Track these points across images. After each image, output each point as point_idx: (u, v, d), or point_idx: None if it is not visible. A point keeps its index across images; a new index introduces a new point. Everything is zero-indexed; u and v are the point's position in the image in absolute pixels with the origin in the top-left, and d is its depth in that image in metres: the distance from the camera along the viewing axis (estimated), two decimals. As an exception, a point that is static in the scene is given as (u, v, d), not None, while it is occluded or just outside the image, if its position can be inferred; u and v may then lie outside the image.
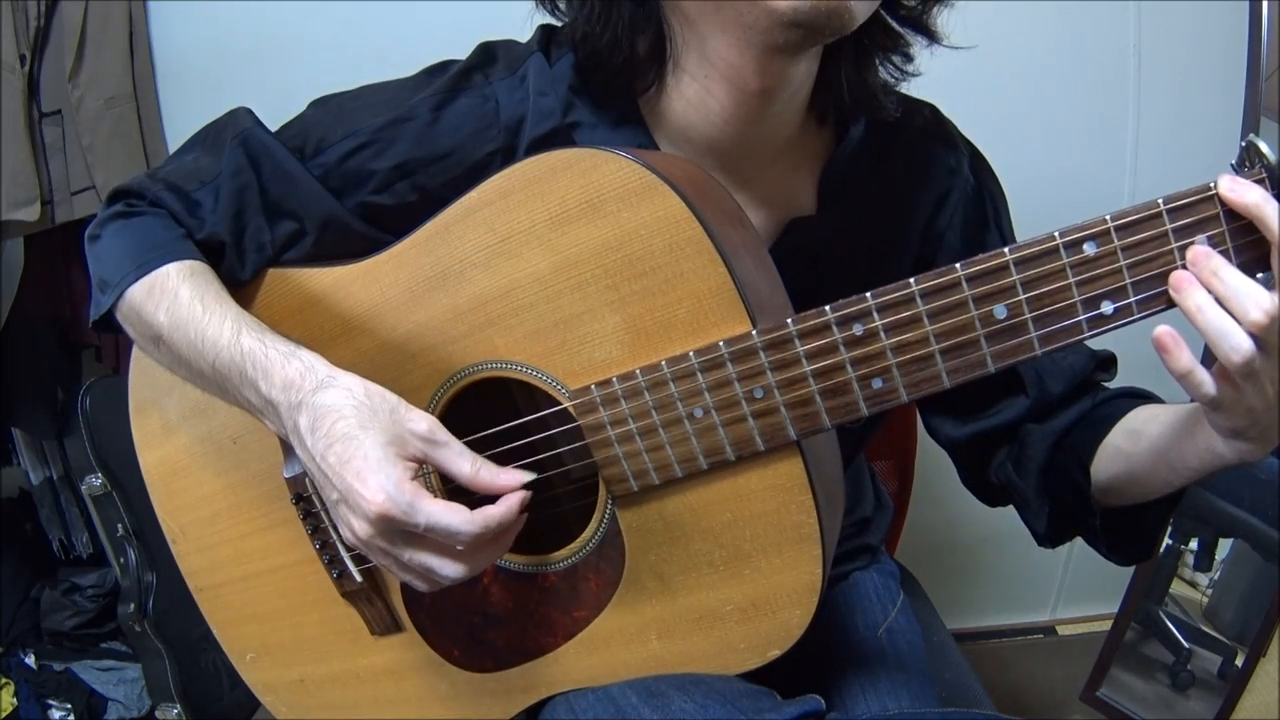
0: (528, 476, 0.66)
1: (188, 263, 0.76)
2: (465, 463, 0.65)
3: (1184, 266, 0.55)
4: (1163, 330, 0.56)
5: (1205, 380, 0.57)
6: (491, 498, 0.65)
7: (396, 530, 0.62)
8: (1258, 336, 0.54)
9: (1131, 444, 0.74)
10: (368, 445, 0.62)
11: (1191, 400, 0.63)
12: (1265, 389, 0.57)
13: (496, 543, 0.66)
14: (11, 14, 1.33)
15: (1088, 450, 0.77)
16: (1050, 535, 0.84)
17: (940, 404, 0.88)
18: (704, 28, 0.69)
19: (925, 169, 0.82)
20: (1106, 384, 0.84)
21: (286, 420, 0.67)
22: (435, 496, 0.63)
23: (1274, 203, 0.53)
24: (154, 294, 0.74)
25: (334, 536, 0.79)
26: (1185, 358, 0.56)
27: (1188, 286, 0.55)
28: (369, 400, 0.65)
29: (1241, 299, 0.54)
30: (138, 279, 0.75)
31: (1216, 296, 0.55)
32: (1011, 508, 0.88)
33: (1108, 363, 0.84)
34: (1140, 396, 0.80)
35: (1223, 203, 0.54)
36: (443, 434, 0.65)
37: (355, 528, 0.63)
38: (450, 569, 0.64)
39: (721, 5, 0.66)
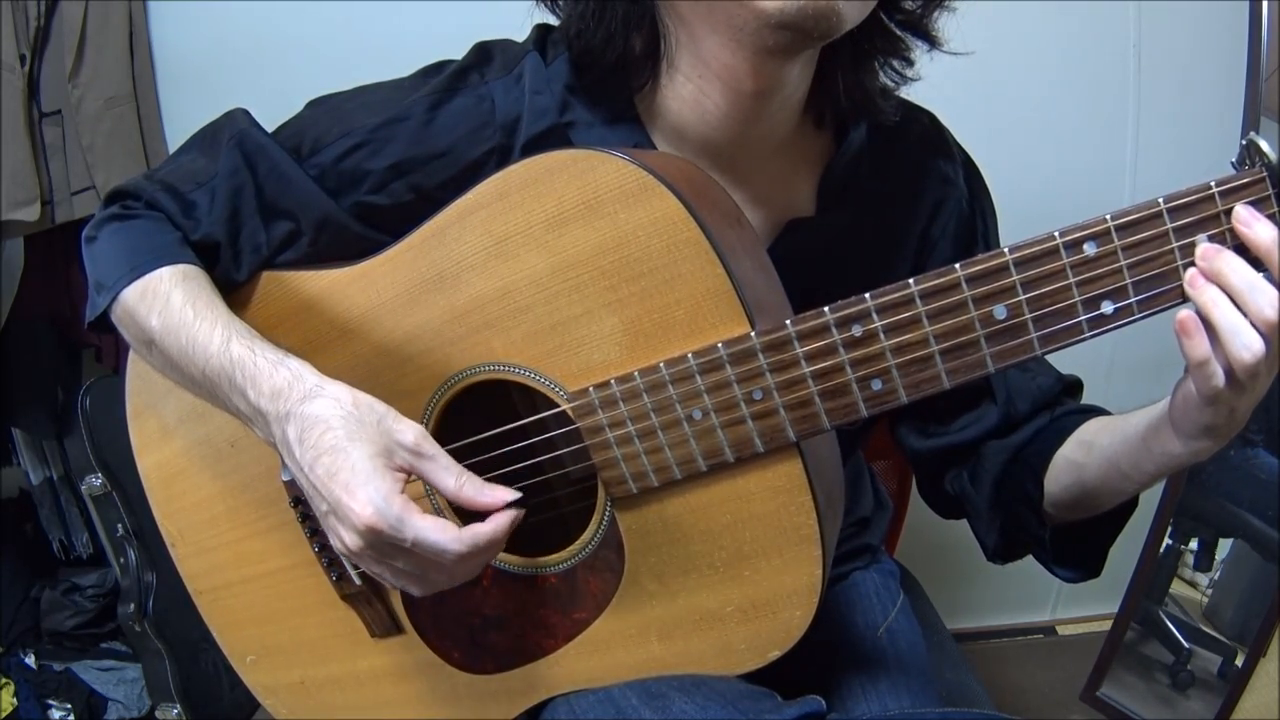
0: (513, 495, 0.65)
1: (181, 267, 0.76)
2: (450, 477, 0.64)
3: (1185, 266, 0.55)
4: (1186, 315, 0.56)
5: (1218, 371, 0.56)
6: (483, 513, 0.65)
7: (385, 542, 0.62)
8: (1267, 337, 0.54)
9: (1083, 455, 0.74)
10: (355, 457, 0.62)
11: (1167, 398, 0.63)
12: (1257, 390, 0.57)
13: (486, 553, 0.65)
14: (11, 14, 1.33)
15: (1041, 462, 0.77)
16: (1001, 549, 0.84)
17: (906, 416, 0.88)
18: (697, 28, 0.69)
19: (923, 176, 0.82)
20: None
21: (275, 430, 0.67)
22: (428, 508, 0.62)
23: None
24: (147, 298, 0.74)
25: (332, 539, 0.79)
26: (1205, 345, 0.56)
27: (1202, 282, 0.55)
28: (356, 410, 0.65)
29: (1255, 295, 0.54)
30: (131, 282, 0.75)
31: (1228, 291, 0.54)
32: None
33: (1074, 388, 0.84)
34: (1095, 412, 0.81)
35: (1223, 200, 0.54)
36: (429, 446, 0.65)
37: (345, 539, 0.63)
38: (441, 578, 0.64)
39: (712, 6, 0.66)
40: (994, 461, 0.82)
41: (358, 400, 0.65)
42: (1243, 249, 0.54)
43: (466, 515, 0.65)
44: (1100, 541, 0.79)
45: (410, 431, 0.65)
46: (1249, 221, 0.53)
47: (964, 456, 0.85)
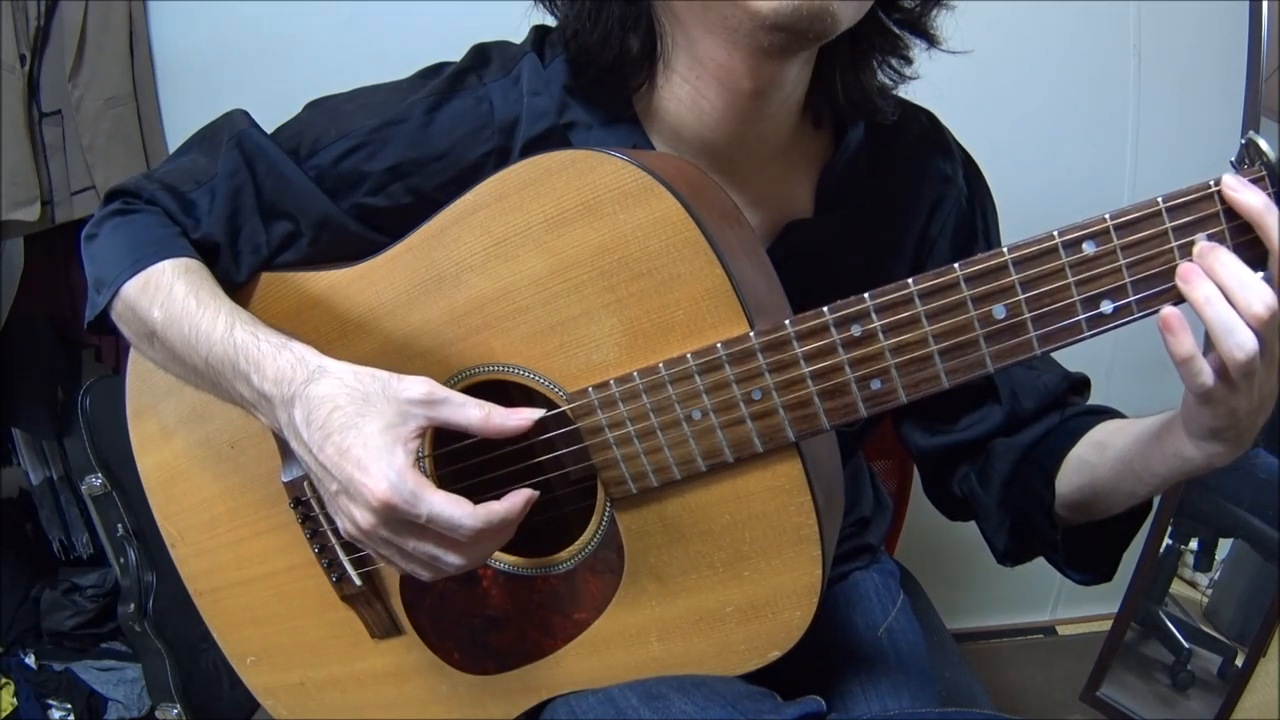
0: (538, 414, 0.66)
1: (183, 259, 0.76)
2: (473, 410, 0.64)
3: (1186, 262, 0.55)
4: (1170, 311, 0.56)
5: (1205, 369, 0.56)
6: (495, 495, 0.65)
7: (399, 519, 0.62)
8: (1260, 335, 0.54)
9: (1096, 455, 0.73)
10: (367, 433, 0.62)
11: (1170, 406, 0.63)
12: (1255, 391, 0.57)
13: (499, 533, 0.65)
14: (11, 14, 1.33)
15: (1053, 463, 0.76)
16: (1011, 551, 0.84)
17: (911, 413, 0.87)
18: (693, 28, 0.69)
19: (921, 175, 0.82)
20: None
21: (280, 414, 0.67)
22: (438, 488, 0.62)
23: (1275, 210, 0.53)
24: (149, 290, 0.74)
25: (333, 540, 0.79)
26: (1189, 342, 0.56)
27: (1195, 278, 0.54)
28: (360, 384, 0.64)
29: (1245, 292, 0.53)
30: (133, 275, 0.75)
31: (1220, 288, 0.54)
32: None
33: (1081, 385, 0.84)
34: (1107, 413, 0.80)
35: (1223, 200, 0.54)
36: (440, 391, 0.64)
37: (357, 518, 0.63)
38: (453, 558, 0.64)
39: (707, 6, 0.66)
40: (1003, 461, 0.81)
41: (358, 374, 0.65)
42: (1241, 249, 0.54)
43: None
44: (1114, 544, 0.78)
45: (418, 385, 0.64)
46: (1237, 188, 0.53)
47: (970, 455, 0.85)
